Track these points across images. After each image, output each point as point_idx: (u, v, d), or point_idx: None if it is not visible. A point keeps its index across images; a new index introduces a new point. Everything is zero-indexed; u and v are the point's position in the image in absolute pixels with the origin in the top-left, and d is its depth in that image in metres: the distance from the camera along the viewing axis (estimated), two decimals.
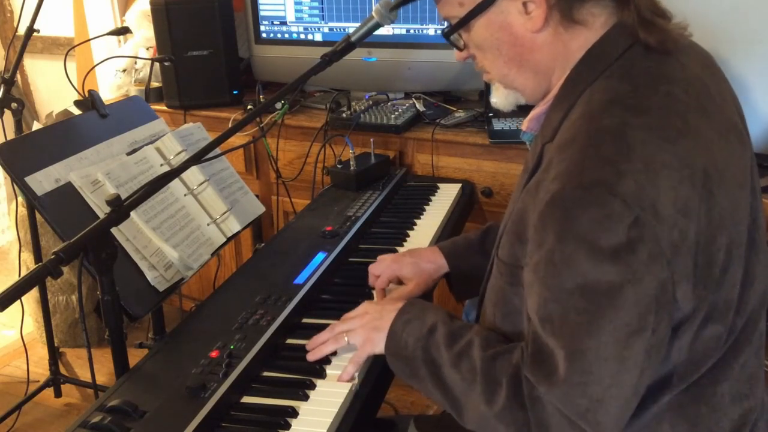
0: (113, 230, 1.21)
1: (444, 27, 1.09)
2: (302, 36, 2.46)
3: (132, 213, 1.19)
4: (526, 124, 1.09)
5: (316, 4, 2.40)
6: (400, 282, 1.43)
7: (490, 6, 1.01)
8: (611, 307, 0.87)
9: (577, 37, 1.00)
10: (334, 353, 1.22)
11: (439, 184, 2.02)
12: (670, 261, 0.87)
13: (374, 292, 1.43)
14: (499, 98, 1.12)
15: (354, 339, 1.19)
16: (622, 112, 0.92)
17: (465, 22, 1.04)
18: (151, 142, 1.64)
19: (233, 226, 1.65)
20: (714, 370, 0.98)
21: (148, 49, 2.70)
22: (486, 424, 1.00)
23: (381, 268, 1.43)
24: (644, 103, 0.93)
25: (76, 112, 1.97)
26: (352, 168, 1.94)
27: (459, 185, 2.02)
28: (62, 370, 2.54)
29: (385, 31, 2.27)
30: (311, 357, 1.21)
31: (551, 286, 0.91)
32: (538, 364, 0.93)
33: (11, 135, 2.05)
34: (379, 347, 1.16)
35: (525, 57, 1.03)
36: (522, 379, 0.95)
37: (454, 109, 2.31)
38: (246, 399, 1.15)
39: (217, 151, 1.33)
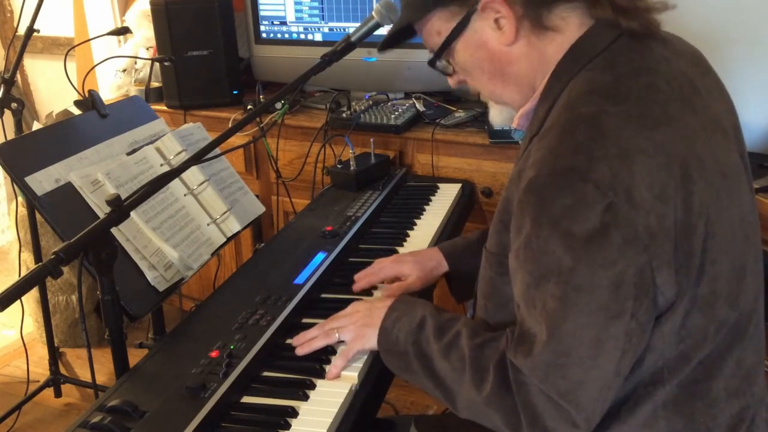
0: (113, 230, 1.20)
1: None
2: (302, 36, 2.46)
3: (132, 213, 1.19)
4: (516, 121, 1.11)
5: (316, 4, 2.40)
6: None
7: (464, 29, 1.04)
8: (586, 291, 0.89)
9: (552, 43, 1.01)
10: (333, 353, 1.22)
11: (439, 184, 2.02)
12: (647, 246, 0.88)
13: (358, 277, 1.43)
14: (495, 115, 1.16)
15: (345, 335, 1.21)
16: (600, 101, 0.93)
17: (444, 48, 1.08)
18: (151, 142, 1.64)
19: (233, 226, 1.65)
20: (707, 364, 0.98)
21: (148, 49, 2.70)
22: (477, 411, 1.02)
23: (380, 266, 1.43)
24: (623, 93, 0.94)
25: (76, 112, 1.97)
26: (352, 168, 1.94)
27: (459, 185, 2.02)
28: (62, 370, 2.54)
29: (385, 31, 2.27)
30: (300, 351, 1.22)
31: (530, 271, 0.93)
32: (520, 345, 0.96)
33: (11, 135, 2.05)
34: (370, 343, 1.18)
35: (505, 71, 1.06)
36: (508, 364, 0.97)
37: (454, 109, 2.31)
38: (246, 399, 1.15)
39: (217, 151, 1.33)
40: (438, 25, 1.07)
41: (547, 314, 0.92)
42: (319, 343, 1.22)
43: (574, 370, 0.91)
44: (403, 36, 1.16)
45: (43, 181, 1.42)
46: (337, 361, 1.19)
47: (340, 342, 1.22)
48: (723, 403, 1.00)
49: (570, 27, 1.01)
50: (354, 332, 1.20)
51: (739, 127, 1.09)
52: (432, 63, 1.11)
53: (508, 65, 1.05)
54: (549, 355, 0.92)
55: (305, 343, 1.23)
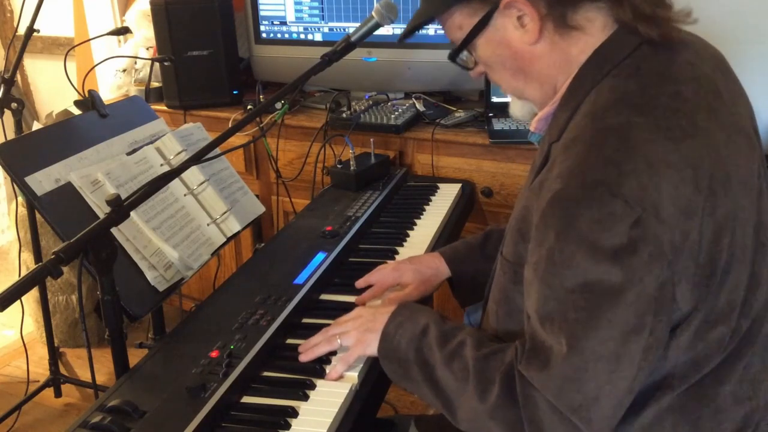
0: (113, 230, 1.21)
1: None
2: (302, 36, 2.46)
3: (132, 213, 1.19)
4: (534, 124, 1.09)
5: (316, 4, 2.40)
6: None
7: (487, 25, 1.03)
8: (610, 306, 0.88)
9: (576, 43, 1.00)
10: (334, 353, 1.22)
11: (439, 184, 2.02)
12: (671, 262, 0.87)
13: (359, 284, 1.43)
14: (517, 109, 1.14)
15: (346, 341, 1.20)
16: (627, 112, 0.91)
17: (465, 43, 1.06)
18: (151, 142, 1.64)
19: (233, 226, 1.65)
20: (717, 371, 0.98)
21: (148, 49, 2.70)
22: (479, 423, 1.01)
23: (380, 276, 1.43)
24: (650, 103, 0.92)
25: (76, 112, 1.97)
26: (352, 168, 1.94)
27: (459, 185, 2.02)
28: (62, 370, 2.54)
29: (385, 31, 2.27)
30: (304, 357, 1.22)
31: (551, 284, 0.91)
32: (534, 359, 0.94)
33: (11, 135, 2.05)
34: (371, 349, 1.17)
35: (527, 69, 1.04)
36: (515, 376, 0.96)
37: (454, 109, 2.31)
38: (246, 399, 1.15)
39: (217, 151, 1.33)
40: (459, 21, 1.05)
41: (569, 327, 0.90)
42: (322, 350, 1.22)
43: (589, 385, 0.90)
44: (423, 25, 1.14)
45: (43, 181, 1.42)
46: (337, 367, 1.18)
47: (343, 348, 1.21)
48: (729, 409, 1.00)
49: (594, 28, 0.99)
50: (355, 337, 1.19)
51: (758, 130, 1.08)
52: (453, 57, 1.10)
53: (530, 64, 1.03)
54: (567, 369, 0.90)
55: (309, 349, 1.22)
